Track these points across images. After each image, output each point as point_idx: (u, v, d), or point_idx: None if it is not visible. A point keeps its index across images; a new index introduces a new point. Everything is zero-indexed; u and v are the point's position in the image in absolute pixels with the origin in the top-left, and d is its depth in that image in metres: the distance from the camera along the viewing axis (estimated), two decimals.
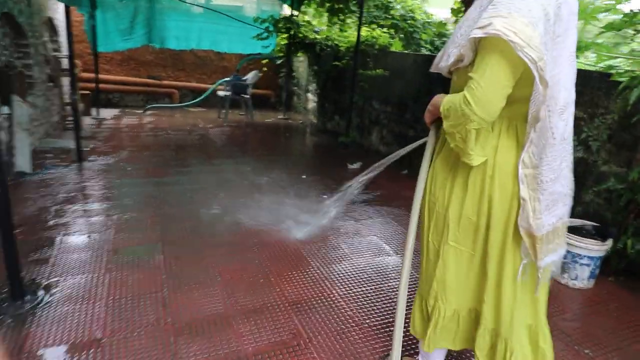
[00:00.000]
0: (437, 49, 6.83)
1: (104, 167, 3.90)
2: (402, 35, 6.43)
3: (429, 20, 6.89)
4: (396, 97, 4.91)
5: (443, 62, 1.23)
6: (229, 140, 5.48)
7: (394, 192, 3.72)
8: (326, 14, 7.02)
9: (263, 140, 5.63)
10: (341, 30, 6.88)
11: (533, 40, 0.97)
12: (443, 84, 4.24)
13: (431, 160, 1.33)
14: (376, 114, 5.29)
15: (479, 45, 1.05)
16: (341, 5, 7.02)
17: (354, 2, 7.02)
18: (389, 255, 2.60)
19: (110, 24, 6.23)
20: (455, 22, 4.49)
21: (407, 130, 4.77)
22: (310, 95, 7.19)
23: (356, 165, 4.46)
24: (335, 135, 6.00)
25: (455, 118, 1.08)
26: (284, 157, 4.90)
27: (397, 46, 5.39)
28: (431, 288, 1.37)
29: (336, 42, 6.17)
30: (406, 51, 5.66)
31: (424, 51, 6.66)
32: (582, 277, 2.29)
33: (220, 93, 6.49)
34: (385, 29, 5.77)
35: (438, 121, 1.27)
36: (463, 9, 1.50)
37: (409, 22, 6.71)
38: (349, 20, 7.01)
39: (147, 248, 2.43)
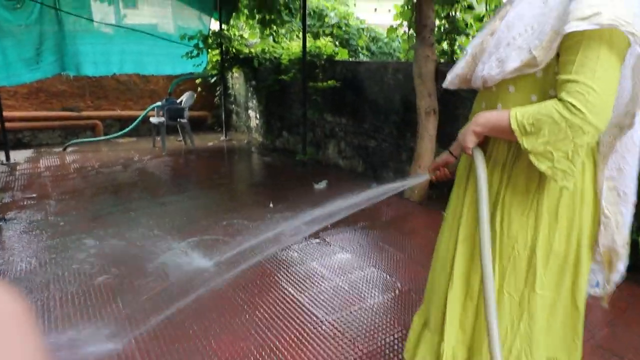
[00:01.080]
0: (374, 54, 6.81)
1: (28, 225, 3.22)
2: (335, 42, 6.30)
3: (362, 27, 6.86)
4: (351, 108, 4.72)
5: (493, 71, 0.99)
6: (174, 171, 4.93)
7: (374, 210, 3.48)
8: (258, 26, 6.70)
9: (212, 167, 5.15)
10: (275, 41, 6.60)
11: None
12: (402, 91, 4.12)
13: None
14: (331, 127, 5.06)
15: (572, 41, 0.85)
16: (273, 16, 6.75)
17: (286, 12, 6.77)
18: (402, 292, 2.34)
19: (11, 54, 5.36)
20: (408, 26, 4.40)
21: (367, 141, 4.59)
22: (251, 113, 6.81)
23: (322, 185, 4.19)
24: (288, 153, 5.68)
25: (555, 133, 0.86)
26: (242, 184, 4.49)
27: (343, 54, 5.21)
28: (513, 346, 1.14)
29: (276, 55, 5.86)
30: (358, 59, 5.52)
31: (361, 57, 6.60)
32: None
33: (153, 120, 5.89)
34: (326, 38, 5.58)
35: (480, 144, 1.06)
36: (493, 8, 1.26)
37: (344, 29, 6.61)
38: (282, 31, 6.75)
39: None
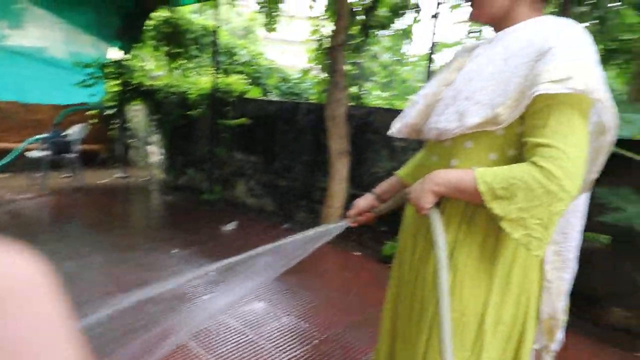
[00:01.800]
0: (285, 93, 6.88)
1: None
2: (246, 80, 6.26)
3: (272, 67, 6.93)
4: (261, 146, 4.62)
5: (451, 124, 0.94)
6: (55, 213, 4.29)
7: None
8: (165, 59, 6.41)
9: (104, 208, 4.59)
10: (182, 75, 6.35)
11: (608, 97, 0.80)
12: (314, 132, 4.13)
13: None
14: (240, 165, 4.89)
15: (542, 103, 0.82)
16: (180, 50, 6.52)
17: (195, 47, 6.59)
18: (321, 341, 2.20)
19: None
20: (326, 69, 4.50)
21: (277, 180, 4.49)
22: (152, 148, 6.34)
23: (231, 226, 3.94)
24: (192, 192, 5.33)
25: (531, 199, 0.80)
26: (140, 227, 4.04)
27: (255, 92, 5.14)
28: None
29: (183, 89, 5.59)
30: (269, 98, 5.47)
31: (272, 96, 6.62)
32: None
33: (34, 154, 5.15)
34: (237, 75, 5.48)
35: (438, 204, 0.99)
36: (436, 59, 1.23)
37: (254, 67, 6.61)
38: (191, 65, 6.54)
39: None
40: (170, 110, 5.68)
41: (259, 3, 5.25)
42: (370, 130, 3.64)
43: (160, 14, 6.38)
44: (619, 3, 2.77)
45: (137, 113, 6.61)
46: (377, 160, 3.59)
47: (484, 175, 0.86)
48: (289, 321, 2.35)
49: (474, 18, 1.03)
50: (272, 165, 4.54)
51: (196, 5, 6.60)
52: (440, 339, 0.88)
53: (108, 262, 2.99)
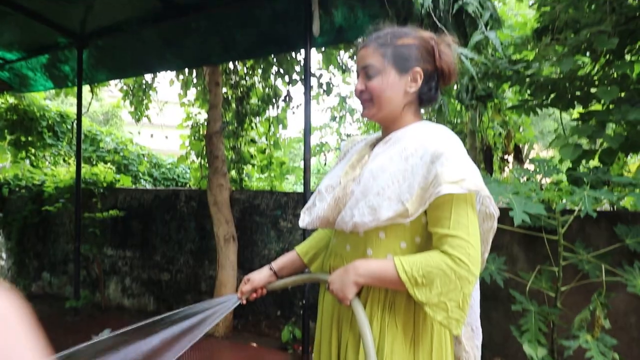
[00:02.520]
0: (158, 180, 6.57)
1: None
2: (114, 168, 5.84)
3: (143, 153, 6.62)
4: (138, 239, 4.24)
5: (366, 218, 1.02)
6: None
7: None
8: (10, 149, 5.66)
9: None
10: (33, 166, 5.65)
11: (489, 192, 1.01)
12: (197, 218, 3.98)
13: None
14: (112, 262, 4.38)
15: (443, 199, 0.96)
16: (30, 138, 5.85)
17: (50, 134, 6.00)
18: None
19: None
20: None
21: (159, 274, 4.13)
22: None
23: (104, 335, 3.40)
24: (51, 300, 4.53)
25: (447, 284, 0.92)
26: None
27: (125, 181, 4.79)
28: None
29: (36, 182, 4.93)
30: (143, 187, 5.13)
31: (144, 183, 6.25)
32: None
33: None
34: (104, 164, 5.07)
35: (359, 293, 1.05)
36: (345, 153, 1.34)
37: (122, 154, 6.22)
38: (46, 154, 5.88)
39: None
40: (19, 207, 4.91)
41: (123, 91, 5.11)
42: (256, 213, 3.66)
43: (6, 99, 5.72)
44: (446, 95, 3.44)
45: None
46: (266, 243, 3.59)
47: (404, 264, 0.96)
48: None
49: (369, 116, 1.15)
50: (151, 259, 4.16)
51: (51, 91, 6.10)
52: None
53: None
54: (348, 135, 5.32)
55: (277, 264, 1.31)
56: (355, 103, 5.15)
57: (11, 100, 5.74)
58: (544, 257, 2.36)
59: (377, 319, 1.04)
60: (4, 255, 5.23)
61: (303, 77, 3.58)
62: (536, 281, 2.18)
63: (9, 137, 5.71)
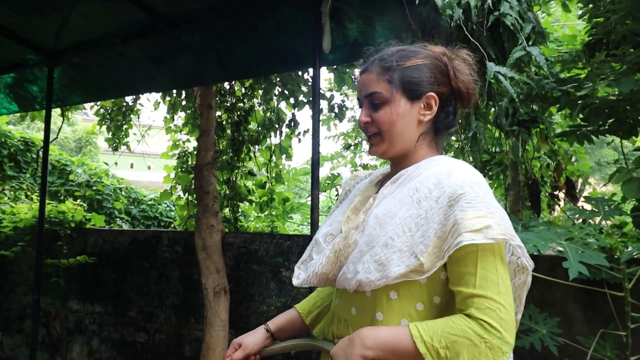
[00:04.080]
0: (137, 219, 6.61)
1: None
2: (85, 205, 5.90)
3: (120, 187, 6.71)
4: (110, 291, 4.23)
5: (372, 275, 1.01)
6: None
7: None
8: None
9: None
10: None
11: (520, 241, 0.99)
12: (182, 267, 3.97)
13: None
14: (78, 319, 4.36)
15: (465, 251, 0.96)
16: None
17: (11, 164, 6.14)
18: None
19: None
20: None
21: (134, 334, 4.08)
22: None
23: None
24: None
25: (476, 356, 0.90)
26: None
27: (97, 221, 4.83)
28: None
29: None
30: (119, 227, 5.16)
31: (120, 223, 6.30)
32: None
33: None
34: (73, 201, 5.13)
35: None
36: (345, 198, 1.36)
37: (95, 188, 6.31)
38: (4, 188, 5.98)
39: None
40: None
41: (99, 115, 5.23)
42: (253, 260, 3.65)
43: None
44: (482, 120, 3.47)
45: None
46: (264, 297, 3.55)
47: (422, 333, 0.93)
48: None
49: (379, 153, 1.17)
50: (125, 316, 4.13)
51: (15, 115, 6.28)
52: None
53: None
54: (365, 167, 5.35)
55: (275, 323, 1.31)
56: None
57: None
58: (608, 317, 2.30)
59: None
60: None
61: (311, 98, 3.66)
62: (599, 348, 2.11)
63: None
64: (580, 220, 2.29)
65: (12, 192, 6.22)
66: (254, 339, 1.27)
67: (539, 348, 2.13)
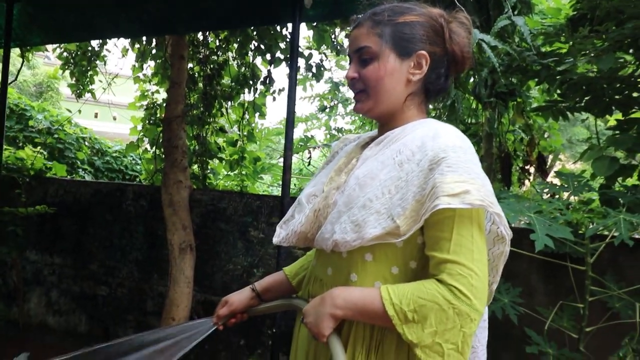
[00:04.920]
0: (100, 171, 6.44)
1: None
2: (45, 153, 5.69)
3: (84, 136, 6.48)
4: (70, 243, 4.14)
5: (348, 235, 1.01)
6: None
7: None
8: None
9: None
10: None
11: (501, 209, 0.98)
12: (147, 221, 3.90)
13: None
14: (36, 270, 4.26)
15: (442, 215, 0.95)
16: None
17: None
18: None
19: None
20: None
21: (95, 287, 4.04)
22: None
23: (23, 359, 3.31)
24: None
25: (443, 322, 0.89)
26: None
27: (59, 170, 4.68)
28: None
29: None
30: (81, 178, 5.00)
31: (82, 174, 6.11)
32: None
33: None
34: (31, 147, 4.94)
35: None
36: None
37: (56, 136, 6.07)
38: None
39: None
40: None
41: (62, 58, 4.99)
42: (221, 218, 3.61)
43: None
44: (461, 90, 3.47)
45: None
46: (231, 256, 3.54)
47: (392, 295, 0.93)
48: None
49: (364, 111, 1.15)
50: (86, 269, 4.06)
51: None
52: None
53: None
54: (339, 130, 5.32)
55: (262, 285, 1.32)
56: (350, 92, 5.15)
57: None
58: (568, 290, 2.38)
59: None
60: None
61: (289, 56, 3.56)
62: (557, 319, 2.20)
63: None
64: (549, 194, 2.34)
65: None
66: (239, 297, 1.29)
67: (500, 316, 2.20)
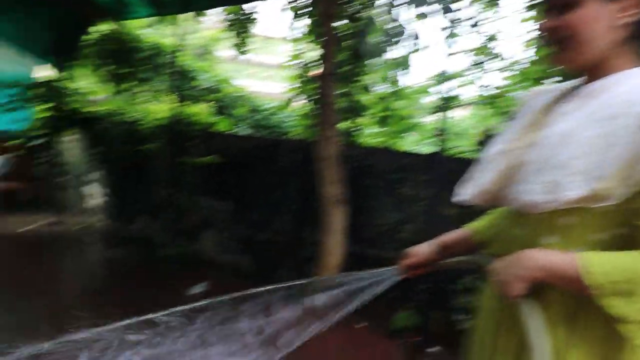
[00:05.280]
0: (256, 126, 6.93)
1: None
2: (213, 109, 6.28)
3: (241, 94, 7.00)
4: (234, 191, 4.59)
5: (541, 197, 0.94)
6: None
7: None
8: (108, 81, 6.37)
9: (25, 264, 4.35)
10: (132, 101, 6.32)
11: None
12: (301, 175, 4.13)
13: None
14: (208, 213, 4.82)
15: None
16: (130, 69, 6.50)
17: (146, 67, 6.61)
18: None
19: None
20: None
21: (254, 233, 4.46)
22: (91, 189, 6.16)
23: (200, 289, 3.84)
24: (145, 245, 5.17)
25: None
26: (73, 293, 3.78)
27: (223, 125, 5.17)
28: None
29: (132, 119, 5.53)
30: (242, 133, 5.47)
31: (242, 129, 6.64)
32: None
33: None
34: (202, 104, 5.51)
35: (533, 295, 0.96)
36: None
37: (219, 94, 6.65)
38: (140, 89, 6.52)
39: None
40: (115, 144, 5.58)
41: (227, 20, 5.37)
42: (369, 174, 3.71)
43: (102, 27, 6.38)
44: None
45: (72, 146, 6.44)
46: (380, 211, 3.65)
47: (595, 265, 0.87)
48: None
49: (563, 62, 1.05)
50: (247, 215, 4.50)
51: (147, 20, 6.65)
52: None
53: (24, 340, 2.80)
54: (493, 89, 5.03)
55: (443, 241, 1.32)
56: (501, 46, 4.78)
57: (110, 28, 6.37)
58: None
59: (558, 332, 0.96)
60: (103, 193, 6.04)
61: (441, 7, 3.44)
62: None
63: (110, 67, 6.38)
64: None
65: (147, 94, 6.76)
66: (424, 250, 1.31)
67: None
